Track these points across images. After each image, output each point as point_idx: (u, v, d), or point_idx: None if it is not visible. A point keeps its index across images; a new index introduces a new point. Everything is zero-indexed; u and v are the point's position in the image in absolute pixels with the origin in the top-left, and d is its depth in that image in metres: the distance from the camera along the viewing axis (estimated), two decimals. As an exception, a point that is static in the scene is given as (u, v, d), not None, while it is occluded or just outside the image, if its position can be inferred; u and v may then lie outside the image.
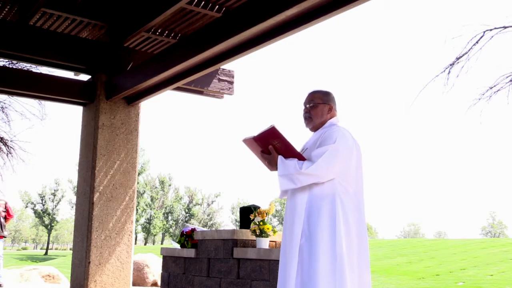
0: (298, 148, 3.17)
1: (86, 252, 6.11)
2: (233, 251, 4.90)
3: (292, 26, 4.35)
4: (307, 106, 3.26)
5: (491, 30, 6.84)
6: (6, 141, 10.22)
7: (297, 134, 3.49)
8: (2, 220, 8.86)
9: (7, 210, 9.08)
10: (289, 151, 3.01)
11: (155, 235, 69.20)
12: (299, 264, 2.94)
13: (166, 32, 6.65)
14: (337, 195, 2.97)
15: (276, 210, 72.12)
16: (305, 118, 3.27)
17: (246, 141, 3.12)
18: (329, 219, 2.92)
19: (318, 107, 3.22)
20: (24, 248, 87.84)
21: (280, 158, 3.03)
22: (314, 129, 3.24)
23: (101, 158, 6.32)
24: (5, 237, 9.03)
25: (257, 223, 4.75)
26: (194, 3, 5.76)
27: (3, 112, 10.25)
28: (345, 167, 3.02)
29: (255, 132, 3.05)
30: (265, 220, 4.76)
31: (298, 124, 3.37)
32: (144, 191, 66.46)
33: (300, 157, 3.01)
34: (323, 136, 3.08)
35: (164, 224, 69.56)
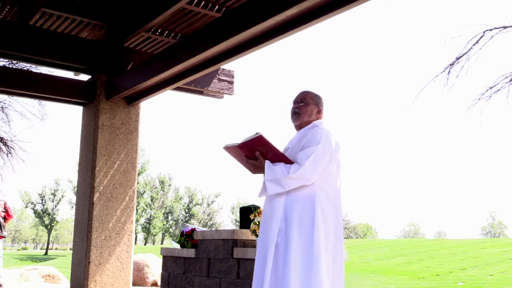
0: (282, 148, 3.21)
1: (86, 252, 6.11)
2: (233, 251, 4.90)
3: (292, 26, 4.35)
4: (299, 103, 3.30)
5: (491, 30, 6.84)
6: (6, 141, 10.22)
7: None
8: (2, 220, 8.85)
9: (6, 210, 9.06)
10: (276, 157, 3.06)
11: (155, 235, 69.20)
12: (274, 261, 2.98)
13: (166, 32, 6.65)
14: (317, 197, 3.00)
15: (276, 210, 71.79)
16: (294, 113, 3.30)
17: (228, 148, 3.16)
18: (307, 219, 2.96)
19: (309, 106, 3.27)
20: (24, 248, 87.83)
21: (267, 163, 3.06)
22: (299, 127, 3.27)
23: (101, 158, 6.32)
24: (4, 237, 9.02)
25: (257, 223, 4.74)
26: (194, 3, 5.76)
27: (3, 112, 10.25)
28: (327, 169, 3.06)
29: (239, 140, 3.10)
30: (265, 220, 4.76)
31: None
32: (144, 191, 66.45)
33: (287, 161, 3.05)
34: (307, 138, 3.12)
35: (164, 224, 69.55)
